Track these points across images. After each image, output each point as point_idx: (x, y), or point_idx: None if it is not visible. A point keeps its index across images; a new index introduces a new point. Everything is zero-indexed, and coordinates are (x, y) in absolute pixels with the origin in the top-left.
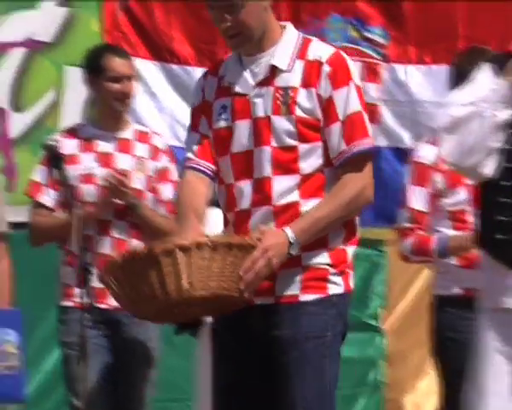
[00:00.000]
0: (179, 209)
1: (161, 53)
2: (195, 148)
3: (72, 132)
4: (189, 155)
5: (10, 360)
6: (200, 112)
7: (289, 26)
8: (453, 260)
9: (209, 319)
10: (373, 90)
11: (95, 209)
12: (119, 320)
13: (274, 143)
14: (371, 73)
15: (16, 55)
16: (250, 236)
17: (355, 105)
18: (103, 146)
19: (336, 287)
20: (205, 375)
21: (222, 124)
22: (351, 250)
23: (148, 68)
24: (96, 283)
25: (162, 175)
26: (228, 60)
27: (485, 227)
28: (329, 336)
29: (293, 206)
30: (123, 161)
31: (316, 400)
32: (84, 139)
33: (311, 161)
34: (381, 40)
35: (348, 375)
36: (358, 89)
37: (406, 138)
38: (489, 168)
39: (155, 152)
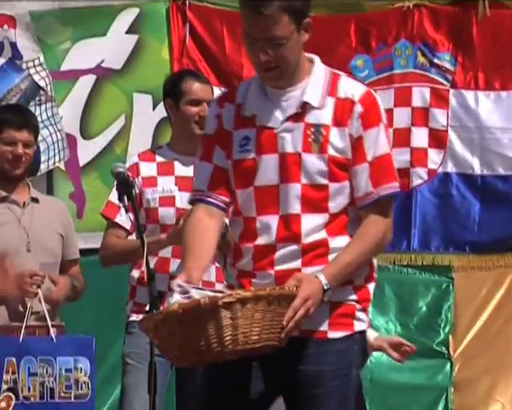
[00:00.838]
0: (187, 247)
1: (231, 80)
2: (208, 179)
3: (150, 155)
4: (201, 186)
5: (81, 389)
6: (215, 141)
7: (317, 60)
8: None
9: None
10: (440, 116)
11: (172, 232)
12: None
13: (304, 181)
14: (439, 99)
15: (86, 82)
16: (288, 283)
17: (384, 147)
18: (182, 169)
19: (361, 324)
20: None
21: (245, 155)
22: (372, 287)
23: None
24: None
25: None
26: (245, 87)
27: None
28: (354, 373)
29: (321, 244)
30: None
31: None
32: (163, 162)
33: (338, 201)
34: (449, 66)
35: (417, 402)
36: (386, 130)
37: (475, 165)
38: None
39: None
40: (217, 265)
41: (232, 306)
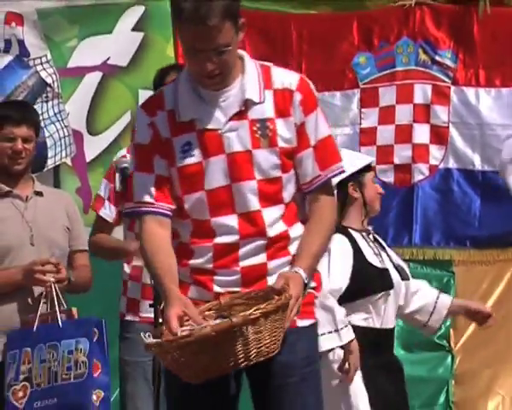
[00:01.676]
0: (157, 266)
1: None
2: (153, 190)
3: None
4: (145, 198)
5: (79, 369)
6: (153, 151)
7: (246, 56)
8: None
9: None
10: (442, 113)
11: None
12: None
13: (259, 177)
14: (440, 96)
15: (92, 79)
16: (277, 283)
17: (325, 129)
18: None
19: (316, 311)
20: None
21: (189, 161)
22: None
23: None
24: None
25: None
26: (171, 92)
27: None
28: (318, 358)
29: (283, 235)
30: None
31: None
32: None
33: (289, 190)
34: (450, 63)
35: (418, 394)
36: (323, 113)
37: (476, 161)
38: None
39: None
40: None
41: (257, 321)
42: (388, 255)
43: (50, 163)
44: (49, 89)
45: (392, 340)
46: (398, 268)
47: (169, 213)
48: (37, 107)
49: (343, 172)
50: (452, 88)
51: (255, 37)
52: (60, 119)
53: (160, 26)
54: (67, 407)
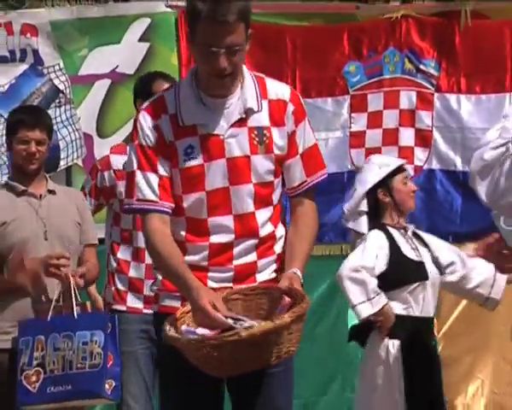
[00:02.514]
0: (170, 262)
1: None
2: (157, 189)
3: (121, 148)
4: (151, 196)
5: (94, 359)
6: (158, 153)
7: (244, 67)
8: None
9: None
10: (426, 118)
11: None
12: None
13: (255, 181)
14: (424, 102)
15: (102, 86)
16: (282, 284)
17: (311, 138)
18: None
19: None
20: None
21: (192, 163)
22: None
23: None
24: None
25: None
26: (172, 97)
27: None
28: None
29: (271, 236)
30: None
31: (290, 405)
32: None
33: (277, 193)
34: (433, 72)
35: None
36: (309, 121)
37: (457, 162)
38: None
39: None
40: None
41: (291, 324)
42: (430, 251)
43: (63, 164)
44: (61, 95)
45: (431, 328)
46: (436, 263)
47: (170, 211)
48: (50, 112)
49: (326, 178)
50: (436, 95)
51: (253, 47)
52: (71, 123)
53: (164, 37)
54: (81, 394)
